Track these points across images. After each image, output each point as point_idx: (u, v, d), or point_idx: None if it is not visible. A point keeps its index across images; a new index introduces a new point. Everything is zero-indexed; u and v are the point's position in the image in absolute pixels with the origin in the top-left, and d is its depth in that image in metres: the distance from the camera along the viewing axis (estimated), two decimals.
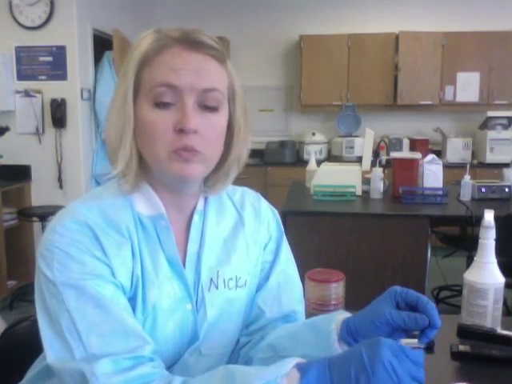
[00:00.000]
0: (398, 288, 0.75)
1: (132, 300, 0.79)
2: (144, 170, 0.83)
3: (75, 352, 0.71)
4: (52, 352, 0.74)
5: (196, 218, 0.88)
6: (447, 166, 3.99)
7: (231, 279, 0.89)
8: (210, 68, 0.78)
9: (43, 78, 4.03)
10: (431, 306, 0.72)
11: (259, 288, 0.94)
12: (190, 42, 0.77)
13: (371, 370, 0.62)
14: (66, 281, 0.74)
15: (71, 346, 0.72)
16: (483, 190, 2.96)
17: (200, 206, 0.89)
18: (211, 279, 0.87)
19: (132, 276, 0.79)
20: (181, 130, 0.76)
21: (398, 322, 0.73)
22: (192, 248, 0.87)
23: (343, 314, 0.81)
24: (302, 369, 0.67)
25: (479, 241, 1.17)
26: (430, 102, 5.20)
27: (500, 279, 1.16)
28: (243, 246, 0.92)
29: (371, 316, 0.75)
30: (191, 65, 0.77)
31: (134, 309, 0.79)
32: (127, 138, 0.79)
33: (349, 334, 0.77)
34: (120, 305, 0.76)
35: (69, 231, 0.76)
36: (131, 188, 0.82)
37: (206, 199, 0.91)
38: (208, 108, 0.79)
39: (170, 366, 0.84)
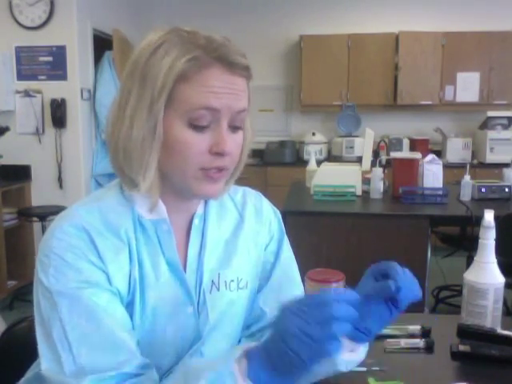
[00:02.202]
0: (376, 264, 0.75)
1: (130, 305, 0.79)
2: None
3: (64, 364, 0.72)
4: (44, 360, 0.74)
5: (196, 220, 0.88)
6: (447, 166, 3.99)
7: (232, 281, 0.89)
8: (243, 89, 0.79)
9: (43, 78, 4.03)
10: (396, 272, 0.71)
11: (260, 289, 0.94)
12: (229, 64, 0.76)
13: (288, 347, 0.62)
14: (60, 290, 0.74)
15: (61, 356, 0.72)
16: (483, 190, 2.96)
17: (200, 208, 0.89)
18: (212, 281, 0.87)
19: (129, 280, 0.79)
20: (217, 153, 0.76)
21: (369, 293, 0.72)
22: (192, 251, 0.87)
23: None
24: (249, 354, 0.67)
25: (479, 241, 1.17)
26: (430, 102, 5.20)
27: (500, 279, 1.16)
28: (244, 247, 0.92)
29: None
30: (229, 88, 0.76)
31: (132, 313, 0.79)
32: (153, 157, 0.76)
33: None
34: (114, 314, 0.76)
35: (66, 235, 0.76)
36: (150, 210, 0.82)
37: (206, 201, 0.91)
38: (234, 129, 0.79)
39: (171, 368, 0.84)
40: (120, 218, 0.81)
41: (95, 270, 0.76)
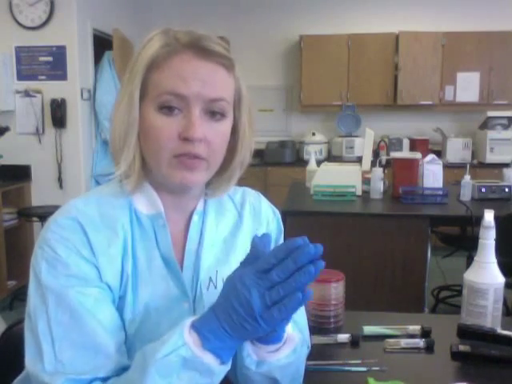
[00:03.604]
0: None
1: (122, 299, 0.80)
2: (146, 171, 0.84)
3: (45, 357, 0.73)
4: (28, 352, 0.76)
5: (195, 218, 0.88)
6: (447, 166, 3.99)
7: None
8: (218, 78, 0.78)
9: (43, 78, 4.03)
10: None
11: None
12: (200, 50, 0.77)
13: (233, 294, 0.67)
14: (49, 284, 0.75)
15: (43, 349, 0.74)
16: (483, 189, 2.96)
17: (200, 206, 0.89)
18: (210, 278, 0.87)
19: (122, 275, 0.80)
20: (186, 139, 0.77)
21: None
22: (190, 247, 0.87)
23: None
24: (197, 324, 0.70)
25: (479, 241, 1.17)
26: (430, 102, 5.20)
27: (500, 279, 1.16)
28: (242, 246, 0.92)
29: None
30: (200, 74, 0.76)
31: (123, 308, 0.80)
32: (131, 139, 0.80)
33: None
34: (100, 314, 0.76)
35: (60, 228, 0.78)
36: (133, 189, 0.83)
37: (206, 200, 0.91)
38: (214, 116, 0.79)
39: None
40: (116, 212, 0.82)
41: (85, 265, 0.77)
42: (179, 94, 0.76)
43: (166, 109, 0.77)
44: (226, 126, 0.82)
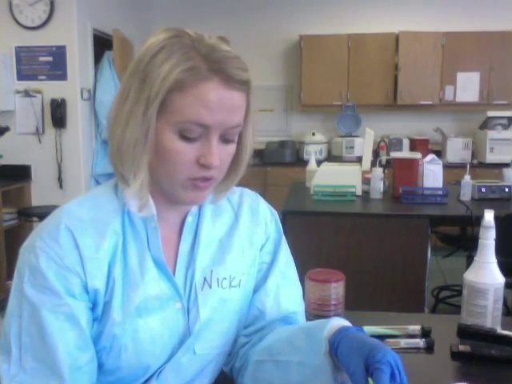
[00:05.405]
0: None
1: (107, 304, 0.79)
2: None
3: (12, 359, 0.76)
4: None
5: (189, 219, 0.88)
6: (447, 166, 3.99)
7: (225, 279, 0.89)
8: (238, 104, 0.77)
9: (43, 78, 4.03)
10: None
11: (257, 289, 0.94)
12: (226, 77, 0.74)
13: None
14: (27, 292, 0.76)
15: (12, 351, 0.76)
16: (483, 189, 2.96)
17: (195, 207, 0.89)
18: (205, 278, 0.87)
19: (108, 280, 0.79)
20: (203, 165, 0.77)
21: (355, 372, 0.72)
22: (184, 247, 0.87)
23: (338, 322, 0.80)
24: None
25: (479, 241, 1.17)
26: (430, 102, 5.20)
27: (500, 279, 1.16)
28: (238, 246, 0.92)
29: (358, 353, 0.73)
30: (224, 103, 0.75)
31: (109, 312, 0.79)
32: (144, 160, 0.77)
33: (333, 348, 0.75)
34: (67, 333, 0.76)
35: (47, 235, 0.77)
36: (140, 209, 0.81)
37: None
38: (227, 141, 0.79)
39: (161, 366, 0.84)
40: (109, 216, 0.81)
41: (67, 276, 0.76)
42: (203, 124, 0.75)
43: (188, 138, 0.76)
44: (234, 146, 0.82)
